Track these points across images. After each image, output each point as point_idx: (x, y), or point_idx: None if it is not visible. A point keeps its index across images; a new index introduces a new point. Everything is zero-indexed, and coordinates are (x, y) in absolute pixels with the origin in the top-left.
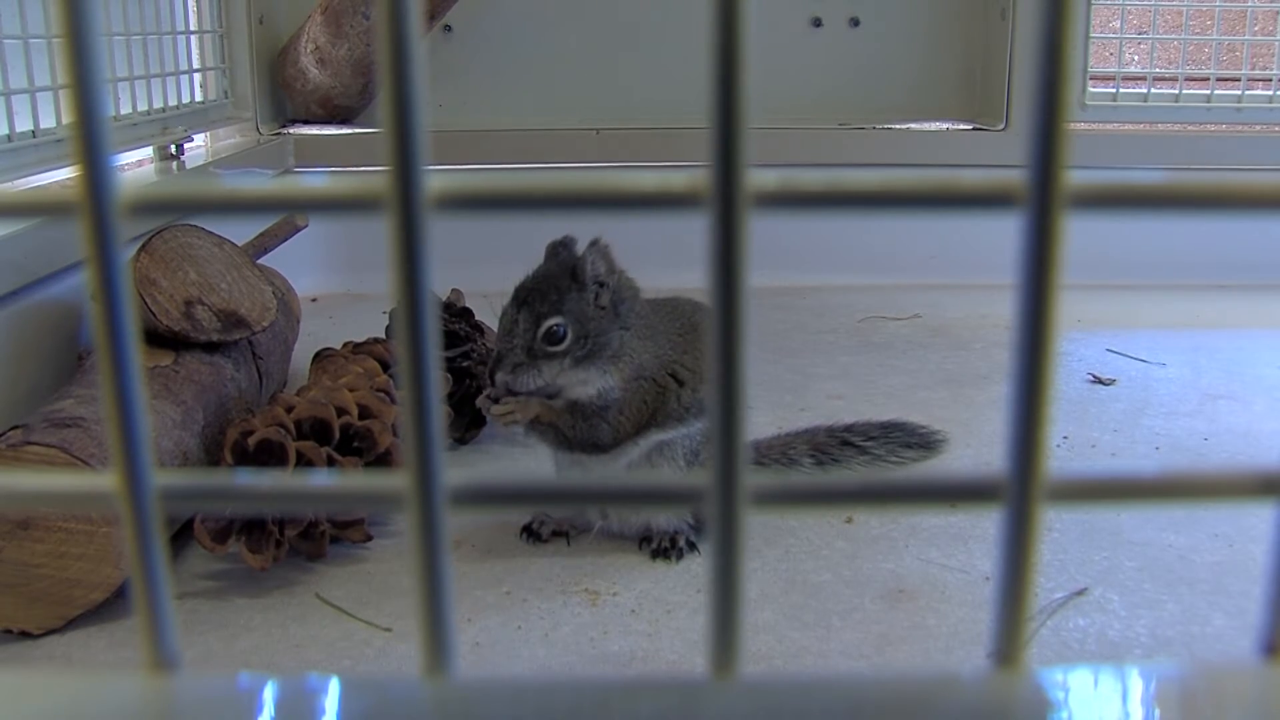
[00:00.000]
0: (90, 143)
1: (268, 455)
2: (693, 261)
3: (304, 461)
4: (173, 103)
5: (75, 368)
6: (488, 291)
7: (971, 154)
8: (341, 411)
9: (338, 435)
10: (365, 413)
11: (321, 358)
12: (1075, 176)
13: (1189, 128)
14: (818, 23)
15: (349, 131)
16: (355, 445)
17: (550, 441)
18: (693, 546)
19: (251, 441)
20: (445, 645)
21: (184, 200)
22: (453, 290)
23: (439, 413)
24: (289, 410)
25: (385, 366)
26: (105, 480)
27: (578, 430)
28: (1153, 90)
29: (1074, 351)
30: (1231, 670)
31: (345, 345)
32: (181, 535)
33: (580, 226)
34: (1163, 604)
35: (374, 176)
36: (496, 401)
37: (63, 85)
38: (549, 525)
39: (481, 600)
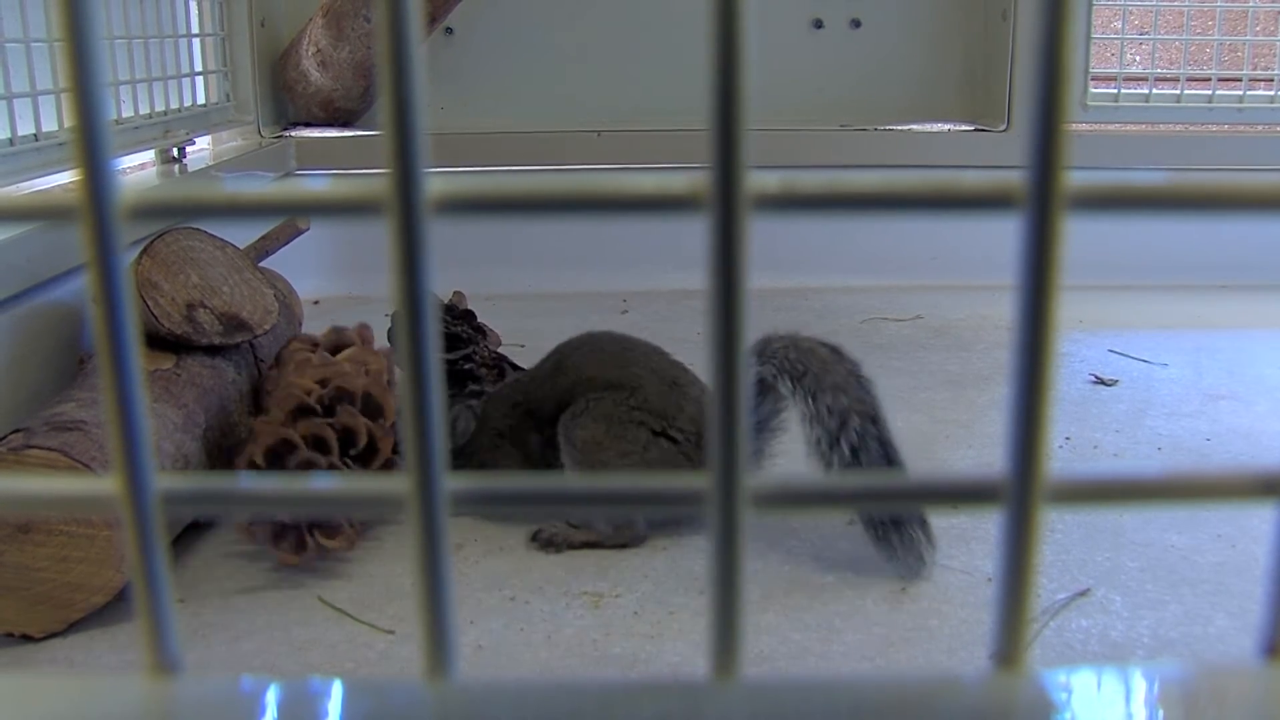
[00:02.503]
0: (91, 146)
1: (278, 459)
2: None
3: (317, 440)
4: (174, 106)
5: (76, 371)
6: (491, 293)
7: (973, 155)
8: (307, 392)
9: (320, 410)
10: (325, 382)
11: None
12: (1076, 177)
13: (1191, 128)
14: (819, 24)
15: (350, 134)
16: (337, 409)
17: None
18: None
19: (260, 459)
20: (447, 648)
21: (185, 204)
22: (455, 292)
23: (441, 415)
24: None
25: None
26: (106, 484)
27: None
28: (1154, 91)
29: (1076, 352)
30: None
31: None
32: (183, 539)
33: (581, 228)
34: (1165, 605)
35: (375, 179)
36: None
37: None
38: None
39: (484, 603)
